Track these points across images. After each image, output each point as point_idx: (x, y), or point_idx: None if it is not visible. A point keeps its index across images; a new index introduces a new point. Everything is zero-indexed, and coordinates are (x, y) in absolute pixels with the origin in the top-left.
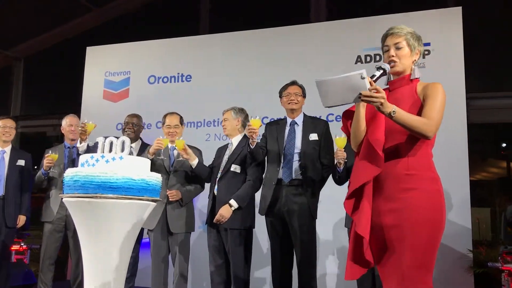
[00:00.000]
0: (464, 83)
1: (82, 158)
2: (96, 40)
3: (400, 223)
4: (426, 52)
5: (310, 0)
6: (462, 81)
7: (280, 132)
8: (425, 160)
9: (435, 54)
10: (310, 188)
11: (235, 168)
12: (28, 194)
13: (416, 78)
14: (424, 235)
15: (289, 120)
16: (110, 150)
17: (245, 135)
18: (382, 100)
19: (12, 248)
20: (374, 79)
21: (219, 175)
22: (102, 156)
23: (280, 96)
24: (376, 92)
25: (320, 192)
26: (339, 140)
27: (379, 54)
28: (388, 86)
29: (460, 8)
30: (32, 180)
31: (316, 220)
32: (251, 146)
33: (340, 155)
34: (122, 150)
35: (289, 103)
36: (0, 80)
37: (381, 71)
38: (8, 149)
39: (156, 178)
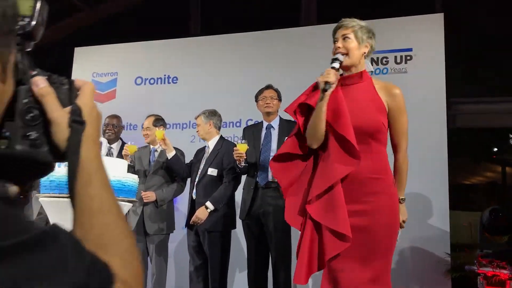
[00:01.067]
0: (445, 88)
1: None
2: (86, 40)
3: (369, 225)
4: (408, 58)
5: (301, 4)
6: (443, 86)
7: (256, 136)
8: (386, 164)
9: (417, 60)
10: None
11: (212, 171)
12: None
13: (369, 75)
14: (390, 238)
15: (265, 124)
16: None
17: (221, 136)
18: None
19: None
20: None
21: (197, 179)
22: None
23: (256, 100)
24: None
25: None
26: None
27: None
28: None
29: (442, 14)
30: None
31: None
32: (239, 168)
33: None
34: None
35: (265, 107)
36: None
37: (338, 62)
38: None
39: (132, 179)
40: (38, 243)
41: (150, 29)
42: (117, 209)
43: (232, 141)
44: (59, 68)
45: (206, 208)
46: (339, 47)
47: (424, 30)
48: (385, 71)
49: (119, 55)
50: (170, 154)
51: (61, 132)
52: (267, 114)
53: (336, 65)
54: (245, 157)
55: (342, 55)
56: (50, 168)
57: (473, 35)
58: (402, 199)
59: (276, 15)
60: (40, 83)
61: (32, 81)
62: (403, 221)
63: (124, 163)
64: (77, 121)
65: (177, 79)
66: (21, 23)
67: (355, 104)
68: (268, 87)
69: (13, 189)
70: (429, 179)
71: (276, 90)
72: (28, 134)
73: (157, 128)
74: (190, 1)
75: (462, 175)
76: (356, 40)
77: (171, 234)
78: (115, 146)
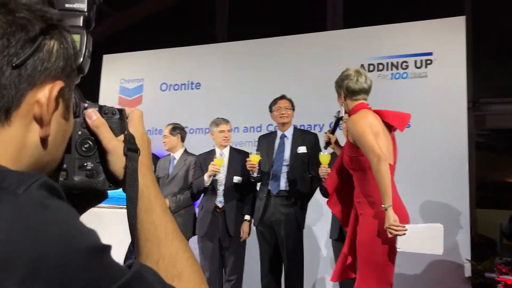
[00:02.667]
0: (466, 91)
1: None
2: (114, 47)
3: (358, 243)
4: (428, 62)
5: (327, 8)
6: (464, 89)
7: (270, 145)
8: (366, 187)
9: (437, 64)
10: (297, 200)
11: (238, 180)
12: None
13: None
14: (367, 253)
15: (279, 133)
16: None
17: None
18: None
19: None
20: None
21: (222, 187)
22: None
23: (271, 111)
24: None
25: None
26: (322, 156)
27: (381, 63)
28: None
29: (463, 17)
30: None
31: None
32: (253, 177)
33: (323, 172)
34: None
35: (280, 117)
36: None
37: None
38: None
39: None
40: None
41: (178, 35)
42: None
43: (252, 146)
44: (89, 75)
45: (247, 221)
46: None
47: (444, 33)
48: (404, 75)
49: (145, 62)
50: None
51: (118, 160)
52: (282, 125)
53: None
54: (258, 167)
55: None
56: (105, 196)
57: (498, 37)
58: (383, 207)
59: (302, 20)
60: (93, 115)
61: (85, 113)
62: (388, 227)
63: None
64: (132, 149)
65: (200, 85)
66: None
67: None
68: (282, 97)
69: None
70: (450, 184)
71: (290, 100)
72: (84, 164)
73: (173, 136)
74: (217, 8)
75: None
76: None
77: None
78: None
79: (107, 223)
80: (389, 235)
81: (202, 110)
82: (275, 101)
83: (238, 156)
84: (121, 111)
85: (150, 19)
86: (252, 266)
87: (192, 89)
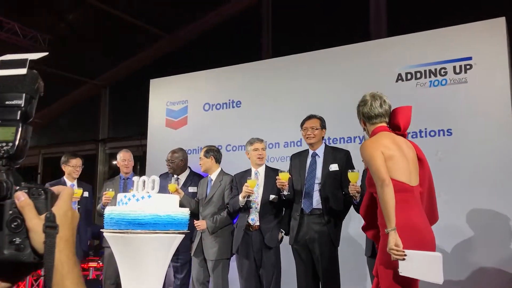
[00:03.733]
0: (510, 96)
1: (118, 197)
2: (161, 70)
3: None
4: (468, 67)
5: (369, 17)
6: (508, 92)
7: (302, 164)
8: (379, 214)
9: (477, 68)
10: (330, 217)
11: (273, 198)
12: (90, 222)
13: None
14: (383, 274)
15: (310, 152)
16: (144, 188)
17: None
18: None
19: (90, 265)
20: None
21: (257, 205)
22: (133, 195)
23: (301, 130)
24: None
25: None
26: (351, 174)
27: (419, 72)
28: None
29: (503, 18)
30: (93, 208)
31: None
32: (284, 195)
33: (352, 190)
34: (153, 188)
35: (307, 138)
36: (89, 107)
37: None
38: (75, 183)
39: (182, 212)
40: None
41: (222, 55)
42: None
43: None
44: (138, 99)
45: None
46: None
47: (483, 36)
48: (443, 82)
49: (189, 84)
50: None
51: (37, 236)
52: (311, 145)
53: None
54: (287, 186)
55: None
56: (36, 266)
57: None
58: (386, 230)
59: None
60: (21, 197)
61: (14, 195)
62: (389, 251)
63: (175, 199)
64: (50, 226)
65: (240, 103)
66: (5, 148)
67: None
68: (310, 117)
69: (2, 285)
70: (498, 191)
71: (320, 119)
72: (13, 240)
73: (207, 158)
74: (262, 26)
75: None
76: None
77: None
78: (182, 176)
79: (142, 248)
80: (392, 259)
81: (243, 128)
82: (303, 122)
83: (273, 175)
84: (47, 192)
85: (194, 42)
86: (289, 284)
87: (233, 107)
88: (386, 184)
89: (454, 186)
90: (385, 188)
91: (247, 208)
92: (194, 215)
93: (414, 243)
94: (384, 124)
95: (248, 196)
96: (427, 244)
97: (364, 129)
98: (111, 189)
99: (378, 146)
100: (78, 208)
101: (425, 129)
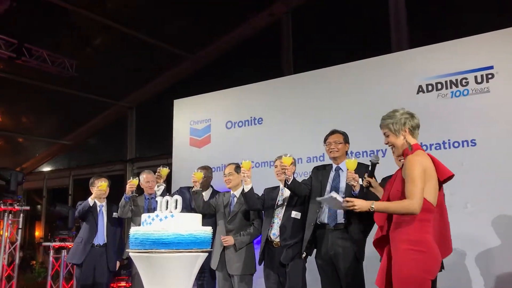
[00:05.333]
0: None
1: (142, 218)
2: (193, 86)
3: (393, 277)
4: (490, 76)
5: (390, 29)
6: None
7: (324, 178)
8: (407, 225)
9: (499, 77)
10: (354, 232)
11: (296, 215)
12: (122, 242)
13: (405, 153)
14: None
15: (334, 166)
16: (167, 207)
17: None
18: (355, 206)
19: (120, 284)
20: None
21: (279, 221)
22: (157, 215)
23: (324, 145)
24: (348, 202)
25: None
26: (349, 162)
27: (440, 83)
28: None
29: None
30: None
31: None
32: (287, 182)
33: (349, 177)
34: (176, 207)
35: (330, 152)
36: (117, 128)
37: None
38: (104, 203)
39: (205, 231)
40: None
41: (243, 73)
42: None
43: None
44: (163, 119)
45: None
46: (386, 143)
47: (504, 44)
48: (465, 92)
49: (211, 103)
50: (248, 186)
51: None
52: (334, 159)
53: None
54: (291, 171)
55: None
56: None
57: None
58: (371, 207)
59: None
60: None
61: None
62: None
63: (198, 217)
64: None
65: (262, 120)
66: None
67: (395, 183)
68: (333, 132)
69: None
70: None
71: (342, 133)
72: None
73: (238, 174)
74: (282, 43)
75: None
76: (393, 133)
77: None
78: (205, 194)
79: (167, 267)
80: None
81: (266, 144)
82: (326, 137)
83: None
84: None
85: (216, 61)
86: None
87: (255, 124)
88: (416, 209)
89: (480, 196)
90: (413, 210)
91: (270, 222)
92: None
93: (428, 259)
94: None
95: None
96: (437, 264)
97: (388, 143)
98: (136, 178)
99: (423, 166)
100: (101, 205)
101: (449, 140)
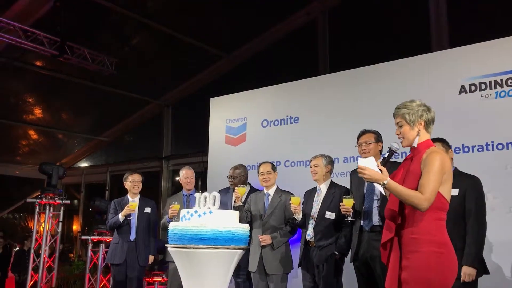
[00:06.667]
0: None
1: (181, 213)
2: (229, 85)
3: (408, 280)
4: (511, 81)
5: (430, 28)
6: None
7: (361, 180)
8: (427, 224)
9: None
10: None
11: (329, 215)
12: (154, 237)
13: (423, 146)
14: None
15: None
16: (205, 204)
17: (332, 181)
18: (364, 175)
19: (155, 279)
20: (385, 160)
21: (313, 222)
22: (196, 211)
23: (356, 146)
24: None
25: None
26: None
27: (484, 83)
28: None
29: None
30: (158, 224)
31: None
32: (348, 221)
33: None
34: (214, 203)
35: (362, 153)
36: (153, 126)
37: (388, 152)
38: (137, 199)
39: (242, 228)
40: None
41: (279, 72)
42: None
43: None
44: (199, 117)
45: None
46: (397, 134)
47: None
48: (510, 93)
49: (247, 101)
50: (299, 216)
51: None
52: None
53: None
54: (353, 211)
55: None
56: None
57: None
58: (384, 182)
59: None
60: None
61: None
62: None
63: (235, 214)
64: None
65: (298, 119)
66: None
67: (407, 174)
68: (364, 132)
69: None
70: None
71: (374, 133)
72: None
73: (275, 173)
74: (318, 41)
75: None
76: (408, 124)
77: (289, 273)
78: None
79: (204, 263)
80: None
81: (301, 143)
82: (358, 137)
83: (334, 192)
84: None
85: (252, 60)
86: None
87: (291, 123)
88: (424, 206)
89: None
90: (421, 206)
91: (305, 223)
92: None
93: (450, 262)
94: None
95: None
96: (457, 266)
97: (400, 134)
98: (176, 202)
99: (445, 166)
100: (130, 219)
101: (492, 142)
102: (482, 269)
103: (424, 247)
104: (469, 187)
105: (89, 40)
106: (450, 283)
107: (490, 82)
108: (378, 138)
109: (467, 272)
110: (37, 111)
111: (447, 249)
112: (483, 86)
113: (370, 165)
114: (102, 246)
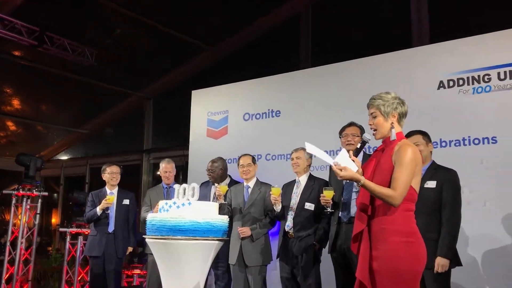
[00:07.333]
0: None
1: (160, 204)
2: (202, 82)
3: (379, 270)
4: (488, 77)
5: (411, 24)
6: None
7: None
8: (396, 215)
9: None
10: None
11: (309, 206)
12: (133, 229)
13: (396, 139)
14: (392, 282)
15: None
16: (184, 195)
17: (310, 174)
18: (339, 174)
19: (134, 272)
20: (357, 150)
21: (292, 213)
22: (174, 203)
23: (340, 137)
24: (336, 167)
25: None
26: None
27: (462, 79)
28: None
29: None
30: (137, 216)
31: None
32: (328, 212)
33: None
34: (193, 195)
35: (347, 144)
36: (134, 119)
37: (360, 144)
38: (115, 191)
39: (221, 220)
40: None
41: (262, 65)
42: None
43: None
44: (181, 109)
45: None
46: (370, 124)
47: None
48: (487, 89)
49: (229, 94)
50: (279, 207)
51: None
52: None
53: (358, 145)
54: (332, 202)
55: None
56: None
57: None
58: (360, 183)
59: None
60: None
61: None
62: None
63: (214, 206)
64: None
65: (280, 113)
66: None
67: (377, 168)
68: (350, 124)
69: None
70: None
71: (360, 127)
72: None
73: (255, 165)
74: (301, 36)
75: None
76: (382, 115)
77: (268, 265)
78: (224, 183)
79: (183, 254)
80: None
81: (283, 137)
82: (343, 128)
83: (313, 184)
84: None
85: (235, 54)
86: None
87: (272, 116)
88: (396, 203)
89: (499, 195)
90: (393, 203)
91: (284, 214)
92: None
93: (418, 250)
94: None
95: (275, 204)
96: (426, 254)
97: (372, 125)
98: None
99: (417, 160)
100: (108, 213)
101: (469, 137)
102: (455, 260)
103: (393, 237)
104: (446, 180)
105: (69, 31)
106: (420, 271)
107: (467, 78)
108: (363, 132)
109: (441, 263)
110: (15, 102)
111: (415, 238)
112: (461, 82)
113: (344, 157)
114: (80, 239)
